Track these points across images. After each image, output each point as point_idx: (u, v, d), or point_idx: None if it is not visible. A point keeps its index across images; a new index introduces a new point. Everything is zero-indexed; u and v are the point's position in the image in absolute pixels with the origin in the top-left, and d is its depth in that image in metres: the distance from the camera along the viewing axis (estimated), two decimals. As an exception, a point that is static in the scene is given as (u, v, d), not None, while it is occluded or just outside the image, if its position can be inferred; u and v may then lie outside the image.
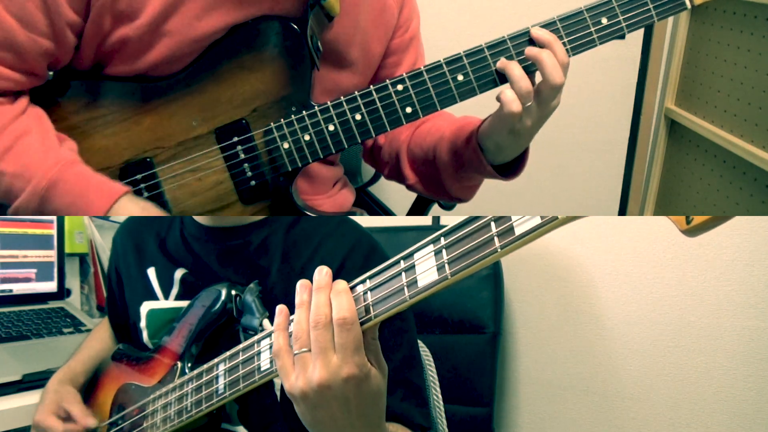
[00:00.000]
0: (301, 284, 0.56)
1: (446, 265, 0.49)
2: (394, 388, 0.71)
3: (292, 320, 0.57)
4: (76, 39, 0.77)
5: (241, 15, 0.78)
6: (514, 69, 0.77)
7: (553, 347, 1.20)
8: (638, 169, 1.80)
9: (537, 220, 0.45)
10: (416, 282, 0.51)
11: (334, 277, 0.75)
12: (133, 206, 0.75)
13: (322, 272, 0.56)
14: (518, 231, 0.46)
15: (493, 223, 0.47)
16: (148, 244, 0.91)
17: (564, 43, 0.78)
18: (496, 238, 0.47)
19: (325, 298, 0.54)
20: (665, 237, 1.07)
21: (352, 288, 0.55)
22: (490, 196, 1.82)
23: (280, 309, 0.59)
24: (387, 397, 0.58)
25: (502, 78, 0.79)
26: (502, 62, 0.78)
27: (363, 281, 0.55)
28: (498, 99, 0.78)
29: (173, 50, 0.77)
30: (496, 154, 0.85)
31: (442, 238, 0.50)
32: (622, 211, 1.86)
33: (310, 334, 0.54)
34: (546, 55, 0.76)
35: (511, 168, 0.87)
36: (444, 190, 0.95)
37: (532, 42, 0.78)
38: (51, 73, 0.82)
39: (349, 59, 0.88)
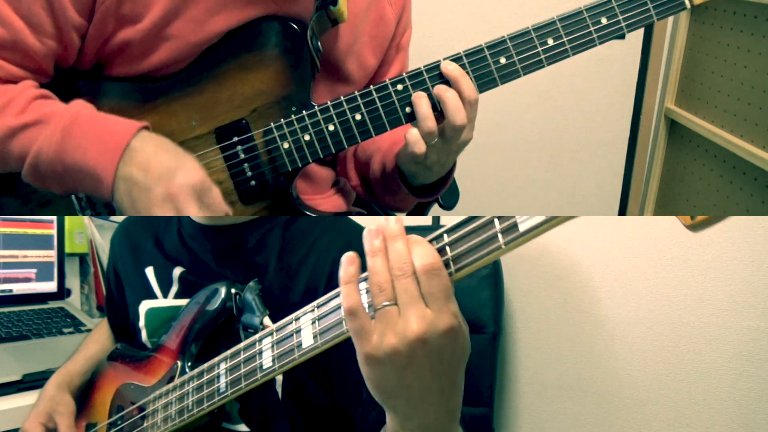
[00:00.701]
0: (369, 230, 0.51)
1: (450, 263, 0.49)
2: None
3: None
4: (81, 41, 0.77)
5: (243, 18, 0.78)
6: (422, 106, 0.77)
7: (553, 347, 1.20)
8: (638, 169, 1.80)
9: (540, 218, 0.45)
10: None
11: (330, 272, 0.75)
12: (150, 143, 0.71)
13: (390, 221, 0.50)
14: (522, 228, 0.46)
15: (496, 220, 0.47)
16: (146, 243, 0.91)
17: (563, 43, 0.78)
18: (500, 235, 0.47)
19: (404, 246, 0.49)
20: (665, 237, 1.07)
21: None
22: (491, 197, 1.83)
23: (351, 258, 0.51)
24: None
25: (412, 115, 0.79)
26: (416, 96, 0.78)
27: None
28: (404, 137, 0.79)
29: (176, 54, 0.78)
30: (412, 179, 0.87)
31: (445, 235, 0.50)
32: (622, 211, 1.86)
33: (394, 285, 0.49)
34: (449, 96, 0.76)
35: (434, 188, 0.89)
36: (379, 199, 0.97)
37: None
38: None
39: (346, 72, 0.89)
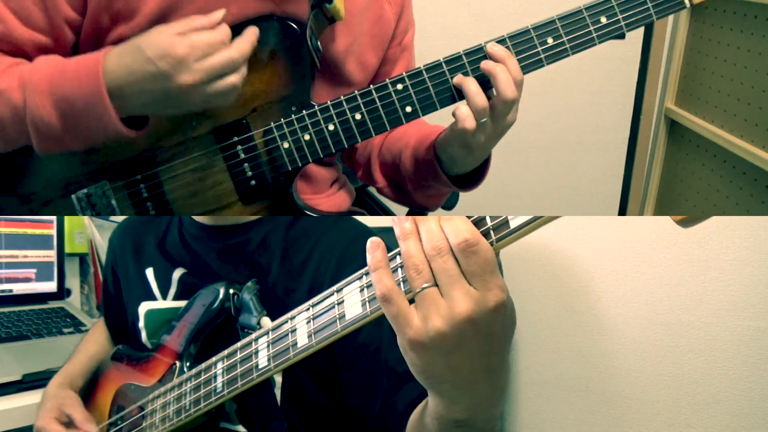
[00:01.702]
0: (397, 216, 0.49)
1: (491, 232, 0.49)
2: None
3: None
4: (75, 36, 0.77)
5: (240, 17, 0.78)
6: (470, 84, 0.76)
7: (553, 347, 1.20)
8: (638, 169, 1.80)
9: (526, 217, 0.45)
10: None
11: (334, 271, 0.75)
12: (124, 50, 0.69)
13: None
14: (513, 225, 0.46)
15: (488, 218, 0.47)
16: (147, 244, 0.91)
17: (563, 42, 0.78)
18: (491, 231, 0.47)
19: (436, 225, 0.46)
20: (665, 237, 1.07)
21: None
22: (491, 197, 1.83)
23: (375, 243, 0.49)
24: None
25: (459, 94, 0.78)
26: (458, 78, 0.78)
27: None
28: (453, 114, 0.78)
29: None
30: (451, 165, 0.85)
31: None
32: (622, 211, 1.86)
33: (432, 265, 0.46)
34: (500, 70, 0.75)
35: (471, 179, 0.87)
36: (409, 197, 0.95)
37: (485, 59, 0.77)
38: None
39: (346, 73, 0.88)
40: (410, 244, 0.47)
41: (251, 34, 0.73)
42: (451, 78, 0.79)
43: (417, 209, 0.98)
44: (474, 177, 0.87)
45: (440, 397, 0.50)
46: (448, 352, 0.46)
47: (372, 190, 1.48)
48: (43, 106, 0.69)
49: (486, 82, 0.77)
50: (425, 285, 0.46)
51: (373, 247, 0.49)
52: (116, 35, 0.76)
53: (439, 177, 0.86)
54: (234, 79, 0.70)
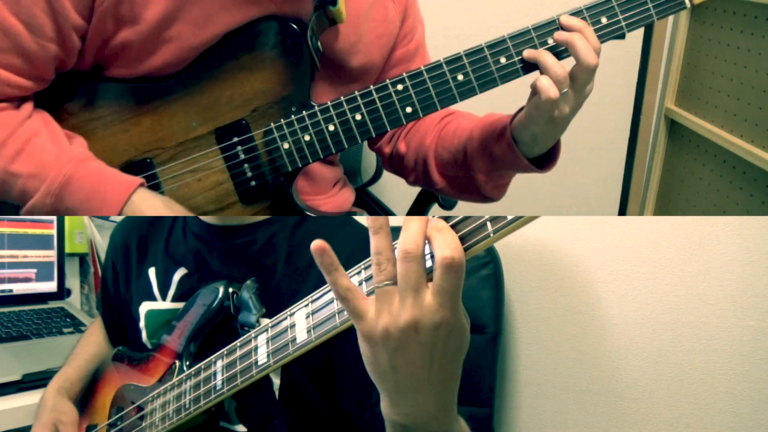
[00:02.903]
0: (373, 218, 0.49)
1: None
2: None
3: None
4: (81, 43, 0.77)
5: (243, 19, 0.78)
6: (546, 56, 0.76)
7: (553, 347, 1.20)
8: (638, 169, 1.80)
9: (507, 218, 0.46)
10: None
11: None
12: (151, 199, 0.74)
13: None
14: (490, 228, 0.46)
15: (485, 217, 0.48)
16: (151, 243, 0.91)
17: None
18: (488, 223, 0.47)
19: (419, 229, 0.47)
20: (665, 237, 1.07)
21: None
22: (490, 196, 1.82)
23: (319, 246, 0.50)
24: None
25: (528, 67, 0.78)
26: (529, 52, 0.78)
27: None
28: (533, 87, 0.77)
29: (176, 56, 0.77)
30: (533, 145, 0.84)
31: None
32: (622, 211, 1.85)
33: (397, 266, 0.47)
34: (578, 38, 0.76)
35: (544, 160, 0.87)
36: (476, 190, 0.94)
37: (558, 30, 0.78)
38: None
39: (351, 70, 0.88)
40: (378, 240, 0.48)
41: None
42: (452, 78, 0.79)
43: (482, 202, 0.97)
44: (548, 156, 0.86)
45: (385, 394, 0.52)
46: (391, 351, 0.48)
47: (372, 190, 1.48)
48: (44, 206, 0.73)
49: (558, 53, 0.77)
50: (386, 282, 0.47)
51: (320, 251, 0.50)
52: (119, 40, 0.76)
53: (519, 161, 0.84)
54: None
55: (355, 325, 0.50)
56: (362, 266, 0.54)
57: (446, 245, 0.46)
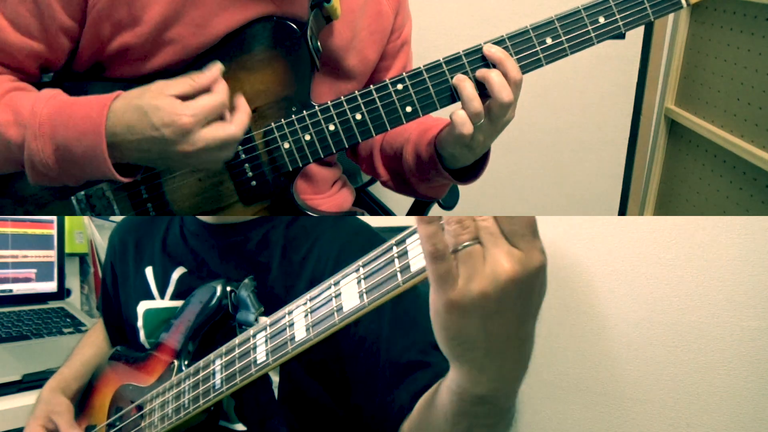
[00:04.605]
0: None
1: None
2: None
3: None
4: (72, 43, 0.77)
5: (243, 20, 0.78)
6: (466, 88, 0.77)
7: (553, 347, 1.20)
8: (638, 169, 1.80)
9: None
10: (409, 267, 0.50)
11: (333, 267, 0.75)
12: (127, 108, 0.70)
13: None
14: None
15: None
16: (148, 242, 0.91)
17: (561, 42, 0.78)
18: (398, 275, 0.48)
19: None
20: (665, 237, 1.07)
21: None
22: (491, 197, 1.83)
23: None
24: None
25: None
26: (456, 79, 0.78)
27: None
28: (450, 118, 0.78)
29: (176, 57, 0.78)
30: (453, 162, 0.86)
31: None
32: (622, 211, 1.86)
33: (476, 223, 0.43)
34: (494, 75, 0.76)
35: (471, 171, 0.88)
36: (412, 188, 0.97)
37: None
38: (51, 74, 0.83)
39: (347, 68, 0.89)
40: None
41: (245, 110, 0.76)
42: (451, 78, 0.79)
43: (422, 199, 1.00)
44: (474, 170, 0.88)
45: (468, 366, 0.48)
46: (487, 316, 0.43)
47: (372, 190, 1.48)
48: (43, 150, 0.71)
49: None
50: (469, 242, 0.43)
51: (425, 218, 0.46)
52: (118, 44, 0.76)
53: (441, 172, 0.87)
54: (229, 153, 0.74)
55: (438, 292, 0.44)
56: (360, 264, 0.54)
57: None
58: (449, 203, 1.24)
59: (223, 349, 0.69)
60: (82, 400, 0.90)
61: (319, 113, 0.80)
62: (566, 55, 0.79)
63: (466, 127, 0.77)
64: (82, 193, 0.80)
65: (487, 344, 0.45)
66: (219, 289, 0.76)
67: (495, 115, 0.77)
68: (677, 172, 1.72)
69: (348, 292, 0.54)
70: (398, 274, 0.50)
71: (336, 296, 0.55)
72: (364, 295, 0.53)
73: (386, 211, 1.43)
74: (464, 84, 0.77)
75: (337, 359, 0.74)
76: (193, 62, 0.78)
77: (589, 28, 0.79)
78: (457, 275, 0.43)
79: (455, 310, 0.43)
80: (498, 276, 0.42)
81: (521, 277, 0.42)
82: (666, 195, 1.78)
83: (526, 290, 0.43)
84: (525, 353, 0.47)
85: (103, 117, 0.69)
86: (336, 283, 0.56)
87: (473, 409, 0.51)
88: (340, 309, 0.55)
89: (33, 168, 0.72)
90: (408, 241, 0.50)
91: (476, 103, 0.76)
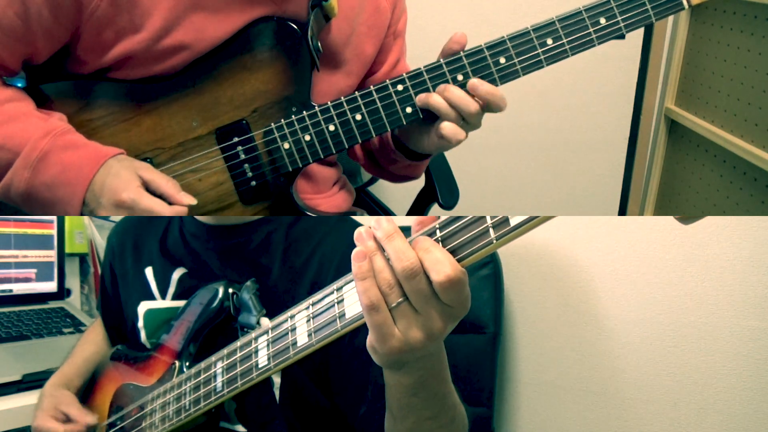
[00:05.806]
0: (360, 232, 0.50)
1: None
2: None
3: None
4: (58, 47, 0.77)
5: (245, 21, 0.78)
6: (441, 104, 0.78)
7: (553, 347, 1.20)
8: (638, 169, 1.80)
9: (524, 216, 0.46)
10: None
11: (335, 274, 0.75)
12: (122, 169, 0.72)
13: (381, 221, 0.49)
14: (513, 223, 0.46)
15: (487, 217, 0.47)
16: (147, 243, 0.91)
17: (563, 43, 0.78)
18: (491, 230, 0.47)
19: (405, 244, 0.48)
20: (665, 237, 1.07)
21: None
22: (491, 197, 1.83)
23: (362, 253, 0.49)
24: None
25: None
26: (423, 97, 0.79)
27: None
28: (439, 133, 0.78)
29: (179, 62, 0.78)
30: (419, 147, 0.87)
31: (438, 231, 0.50)
32: (622, 211, 1.86)
33: (404, 286, 0.47)
34: (436, 98, 0.78)
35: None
36: (387, 171, 0.99)
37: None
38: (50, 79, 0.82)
39: (343, 61, 0.88)
40: (378, 261, 0.48)
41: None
42: (452, 78, 0.79)
43: (398, 181, 1.01)
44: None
45: (405, 370, 0.54)
46: (419, 355, 0.50)
47: (372, 190, 1.48)
48: (21, 181, 0.72)
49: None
50: (400, 300, 0.47)
51: (359, 257, 0.49)
52: (120, 50, 0.76)
53: (398, 155, 0.90)
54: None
55: (379, 339, 0.49)
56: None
57: (442, 267, 0.46)
58: (449, 203, 1.24)
59: (225, 351, 0.69)
60: (84, 398, 0.90)
61: (319, 113, 0.80)
62: (567, 56, 0.78)
63: (459, 135, 0.77)
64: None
65: (418, 360, 0.52)
66: (221, 290, 0.76)
67: (471, 123, 0.79)
68: (677, 172, 1.72)
69: (351, 299, 0.54)
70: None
71: (339, 302, 0.55)
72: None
73: (386, 211, 1.43)
74: (436, 100, 0.78)
75: (326, 361, 0.74)
76: (194, 62, 0.78)
77: (591, 29, 0.79)
78: (394, 325, 0.48)
79: (395, 353, 0.49)
80: (434, 330, 0.47)
81: (452, 326, 0.48)
82: (666, 195, 1.78)
83: (452, 328, 0.49)
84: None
85: (84, 186, 0.71)
86: (339, 289, 0.56)
87: (410, 401, 0.56)
88: (342, 315, 0.55)
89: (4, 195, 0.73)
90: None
91: (471, 106, 0.77)
